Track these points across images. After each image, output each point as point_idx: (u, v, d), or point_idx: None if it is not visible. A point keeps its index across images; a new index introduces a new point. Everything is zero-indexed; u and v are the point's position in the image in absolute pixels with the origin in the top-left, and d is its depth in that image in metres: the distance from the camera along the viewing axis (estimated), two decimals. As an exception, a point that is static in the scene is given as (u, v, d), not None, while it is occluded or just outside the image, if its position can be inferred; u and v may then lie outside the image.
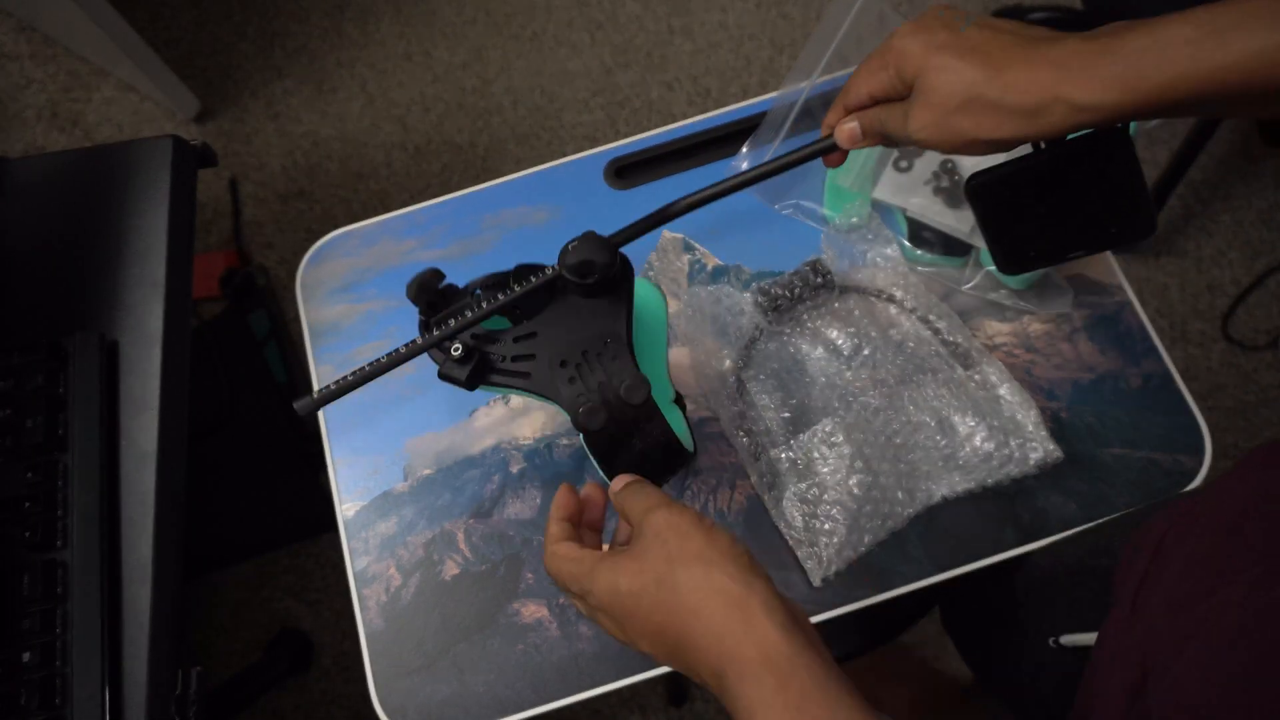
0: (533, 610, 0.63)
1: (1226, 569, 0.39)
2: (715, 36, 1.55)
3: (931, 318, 0.66)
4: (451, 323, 0.50)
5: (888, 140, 0.49)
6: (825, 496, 0.61)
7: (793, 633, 0.36)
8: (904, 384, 0.64)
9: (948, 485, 0.62)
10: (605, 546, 0.48)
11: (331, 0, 1.62)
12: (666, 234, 0.72)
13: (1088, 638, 0.50)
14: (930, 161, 0.67)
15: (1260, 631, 0.34)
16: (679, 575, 0.38)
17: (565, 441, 0.67)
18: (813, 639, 0.38)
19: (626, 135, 0.75)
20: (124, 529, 0.59)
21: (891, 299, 0.67)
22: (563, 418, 0.67)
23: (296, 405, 0.49)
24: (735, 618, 0.37)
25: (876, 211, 0.68)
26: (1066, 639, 0.53)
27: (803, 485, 0.62)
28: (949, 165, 0.66)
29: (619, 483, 0.46)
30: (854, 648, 0.81)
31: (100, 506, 0.59)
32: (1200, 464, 0.62)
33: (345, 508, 0.67)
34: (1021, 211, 0.50)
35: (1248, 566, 0.37)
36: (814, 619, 0.61)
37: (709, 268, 0.71)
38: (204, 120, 1.56)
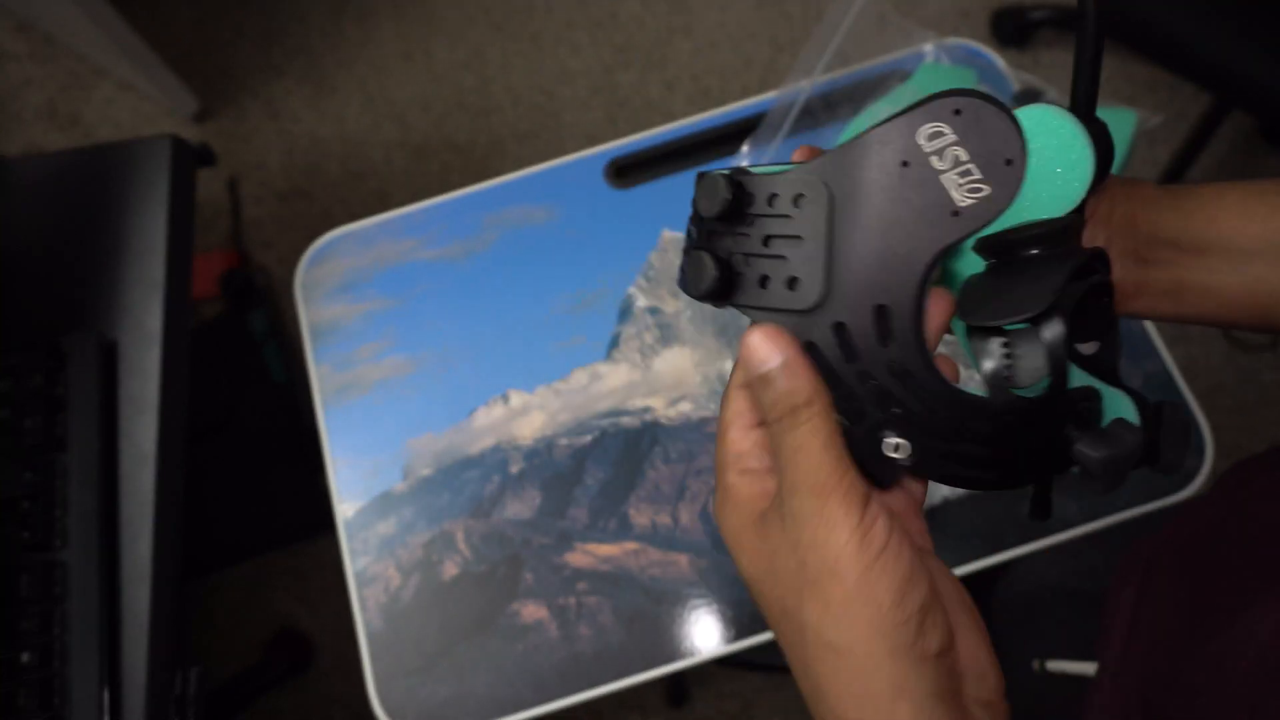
0: (532, 611, 0.63)
1: (1217, 604, 0.38)
2: (715, 36, 1.55)
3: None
4: None
5: None
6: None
7: None
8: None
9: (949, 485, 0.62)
10: None
11: (331, 0, 1.62)
12: (666, 233, 0.72)
13: (1076, 666, 0.50)
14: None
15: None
16: (808, 616, 0.29)
17: (565, 442, 0.67)
18: None
19: (626, 135, 0.75)
20: (123, 529, 0.59)
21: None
22: (563, 417, 0.67)
23: None
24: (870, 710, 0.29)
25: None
26: (1053, 665, 0.53)
27: (803, 485, 0.62)
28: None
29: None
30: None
31: (99, 507, 0.59)
32: (1201, 464, 0.62)
33: (344, 508, 0.67)
34: None
35: (1236, 603, 0.37)
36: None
37: (709, 267, 0.71)
38: (203, 120, 1.56)
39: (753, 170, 0.30)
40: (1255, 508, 0.41)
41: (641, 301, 0.70)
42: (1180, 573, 0.43)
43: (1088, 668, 0.55)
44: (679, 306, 0.69)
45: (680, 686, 1.21)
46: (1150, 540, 0.47)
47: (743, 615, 0.61)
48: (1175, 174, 1.31)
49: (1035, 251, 0.29)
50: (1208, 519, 0.43)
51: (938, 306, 0.30)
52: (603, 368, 0.68)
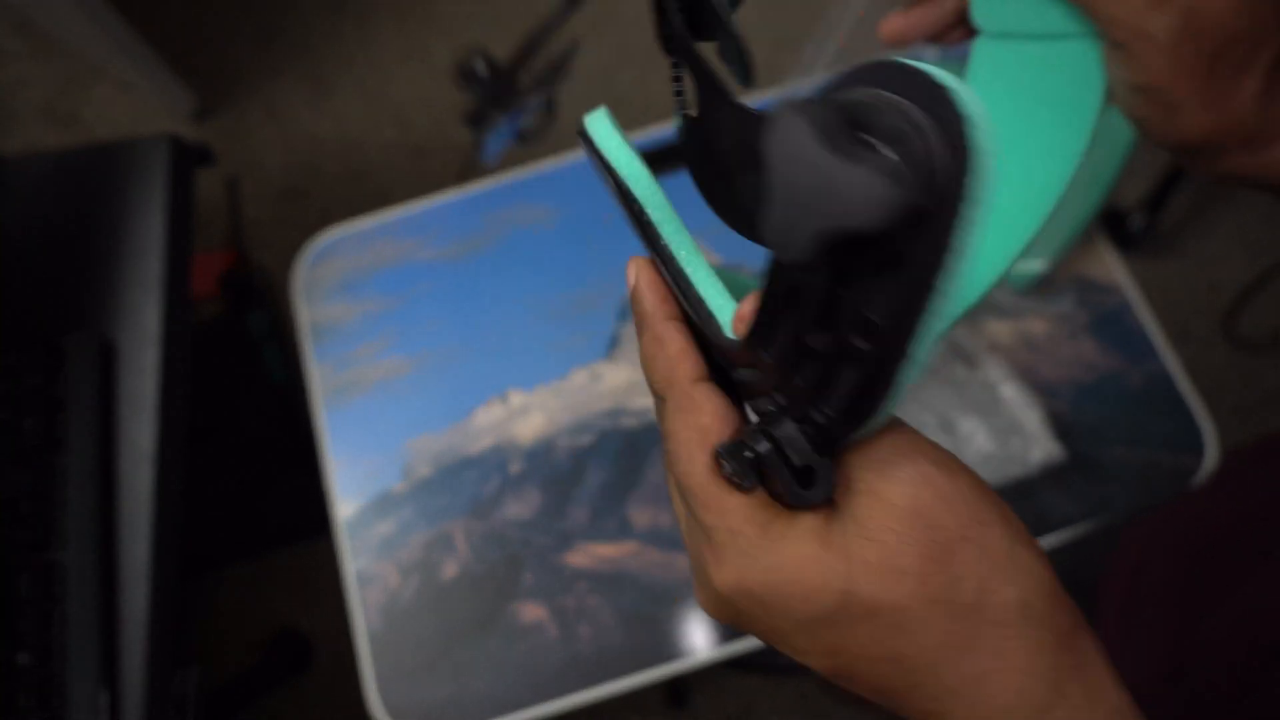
0: (532, 611, 0.62)
1: (1209, 586, 0.38)
2: (715, 35, 1.55)
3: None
4: None
5: None
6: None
7: None
8: (905, 384, 0.64)
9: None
10: None
11: (331, 0, 1.62)
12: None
13: None
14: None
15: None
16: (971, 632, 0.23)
17: (565, 442, 0.67)
18: None
19: (626, 134, 0.75)
20: (122, 530, 0.59)
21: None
22: (563, 417, 0.67)
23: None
24: None
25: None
26: None
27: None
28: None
29: None
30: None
31: (98, 507, 0.58)
32: (1202, 464, 0.62)
33: (344, 508, 0.67)
34: None
35: (1229, 582, 0.37)
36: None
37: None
38: (202, 119, 1.55)
39: None
40: (1246, 494, 0.41)
41: (641, 301, 0.70)
42: (1173, 559, 0.43)
43: None
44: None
45: (680, 687, 1.21)
46: (1140, 531, 0.47)
47: (743, 616, 0.61)
48: (1176, 173, 1.31)
49: None
50: (1199, 508, 0.43)
51: None
52: (603, 368, 0.68)
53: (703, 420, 0.26)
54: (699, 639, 0.61)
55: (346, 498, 0.67)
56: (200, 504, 1.27)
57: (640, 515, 0.64)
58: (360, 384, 0.69)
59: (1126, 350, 0.65)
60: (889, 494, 0.23)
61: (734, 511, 0.25)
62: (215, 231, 1.48)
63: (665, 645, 0.61)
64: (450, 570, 0.64)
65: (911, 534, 0.23)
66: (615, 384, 0.68)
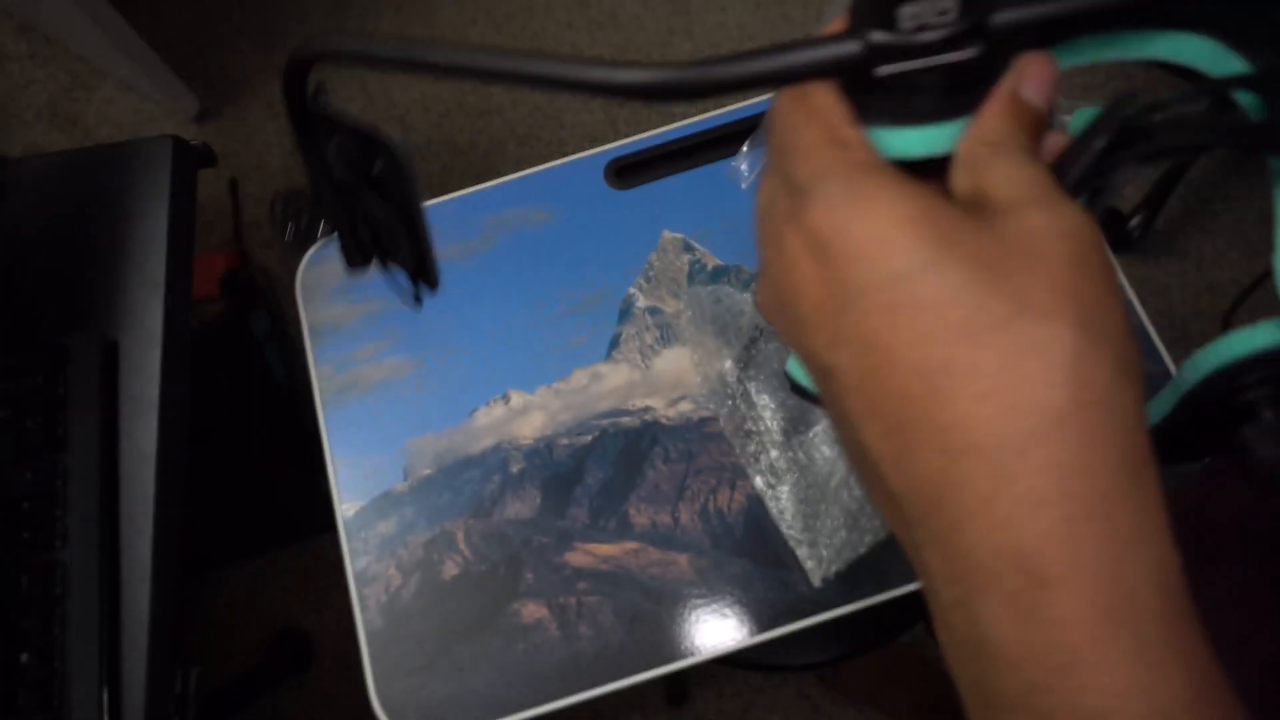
0: (533, 610, 0.63)
1: (1205, 587, 0.39)
2: (715, 36, 1.55)
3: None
4: None
5: None
6: (826, 496, 0.61)
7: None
8: (904, 384, 0.64)
9: (948, 485, 0.62)
10: None
11: (331, 0, 1.62)
12: (666, 234, 0.72)
13: None
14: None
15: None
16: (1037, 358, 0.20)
17: (565, 442, 0.67)
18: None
19: (626, 135, 0.75)
20: (123, 529, 0.59)
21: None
22: (564, 417, 0.67)
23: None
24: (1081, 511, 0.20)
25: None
26: None
27: (803, 485, 0.62)
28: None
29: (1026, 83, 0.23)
30: (854, 648, 0.81)
31: (99, 507, 0.59)
32: (1201, 464, 0.62)
33: (345, 508, 0.67)
34: None
35: (1225, 586, 0.37)
36: (814, 619, 0.61)
37: (709, 268, 0.71)
38: (204, 120, 1.56)
39: None
40: (1239, 488, 0.41)
41: (641, 301, 0.70)
42: None
43: None
44: (679, 306, 0.69)
45: (680, 686, 1.22)
46: None
47: (743, 615, 0.61)
48: (1174, 174, 1.31)
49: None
50: (1191, 502, 0.43)
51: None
52: (603, 368, 0.69)
53: (814, 99, 0.23)
54: (699, 639, 0.61)
55: (348, 497, 0.67)
56: (202, 504, 1.27)
57: (640, 515, 0.64)
58: (361, 384, 0.69)
59: (1125, 350, 0.66)
60: (1033, 215, 0.21)
61: (833, 160, 0.22)
62: (217, 232, 1.48)
63: (665, 645, 0.61)
64: (451, 570, 0.64)
65: (1040, 256, 0.20)
66: (615, 384, 0.68)
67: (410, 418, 0.69)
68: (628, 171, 0.74)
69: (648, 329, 0.70)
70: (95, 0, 1.30)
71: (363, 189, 0.35)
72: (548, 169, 0.75)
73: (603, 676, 0.60)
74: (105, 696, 0.55)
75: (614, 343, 0.69)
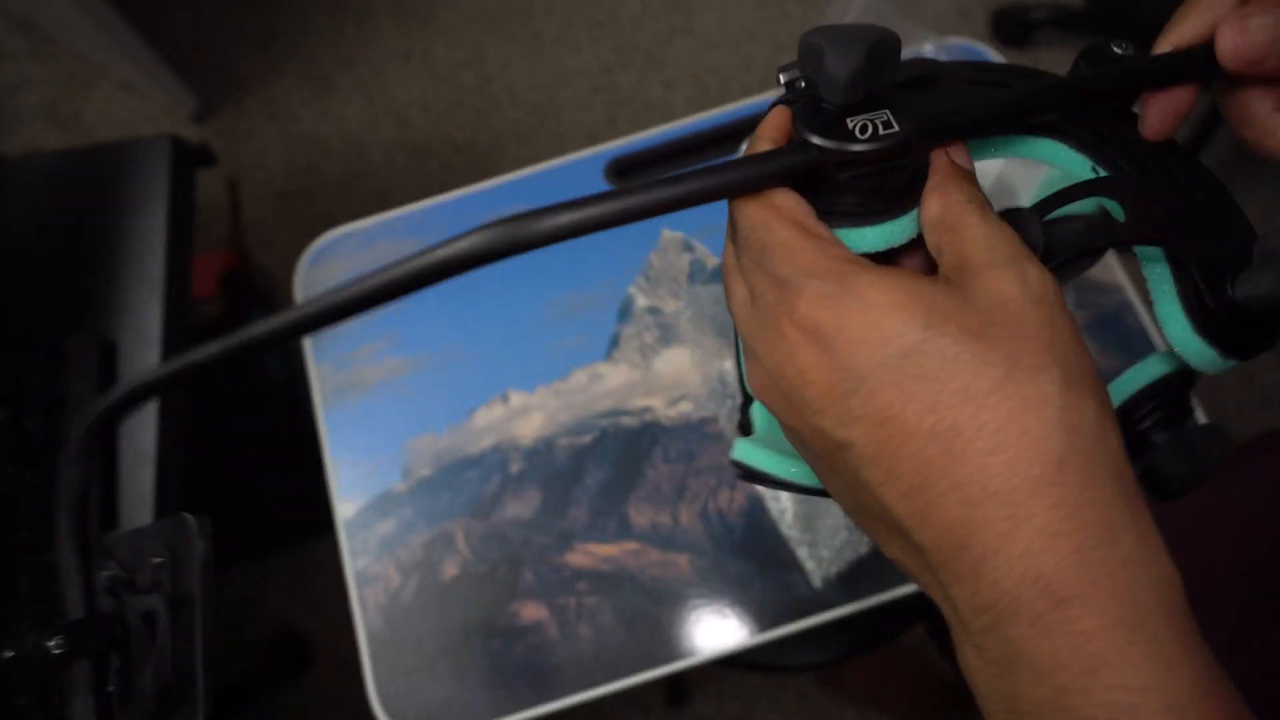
0: (532, 611, 0.62)
1: (1209, 584, 0.39)
2: (715, 36, 1.55)
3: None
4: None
5: None
6: (826, 496, 0.61)
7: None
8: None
9: (948, 485, 0.62)
10: None
11: (331, 0, 1.62)
12: (666, 233, 0.72)
13: None
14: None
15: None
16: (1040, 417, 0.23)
17: (565, 442, 0.67)
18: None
19: (626, 134, 0.75)
20: (122, 529, 0.59)
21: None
22: (563, 417, 0.67)
23: None
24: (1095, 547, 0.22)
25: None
26: None
27: (803, 485, 0.62)
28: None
29: (953, 159, 0.27)
30: (854, 648, 0.81)
31: (99, 507, 0.58)
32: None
33: (344, 508, 0.67)
34: None
35: (1230, 583, 0.37)
36: (814, 619, 0.60)
37: (709, 267, 0.71)
38: (203, 119, 1.55)
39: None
40: (1243, 490, 0.41)
41: (641, 301, 0.70)
42: (1172, 551, 0.43)
43: None
44: (679, 306, 0.69)
45: (680, 686, 1.21)
46: None
47: (743, 615, 0.61)
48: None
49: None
50: (1198, 500, 0.43)
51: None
52: (603, 368, 0.68)
53: (778, 201, 0.26)
54: (699, 639, 0.61)
55: (347, 497, 0.67)
56: (200, 504, 1.27)
57: (640, 515, 0.64)
58: (361, 384, 0.69)
59: (1125, 350, 0.66)
60: (1004, 282, 0.24)
61: (818, 258, 0.25)
62: (216, 232, 1.48)
63: (665, 645, 0.61)
64: (450, 570, 0.64)
65: (1018, 323, 0.23)
66: (615, 384, 0.68)
67: (410, 418, 0.68)
68: (628, 171, 0.74)
69: (647, 329, 0.69)
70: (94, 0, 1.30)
71: (126, 607, 0.33)
72: (547, 168, 0.75)
73: (603, 676, 0.60)
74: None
75: (614, 342, 0.69)
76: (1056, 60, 1.48)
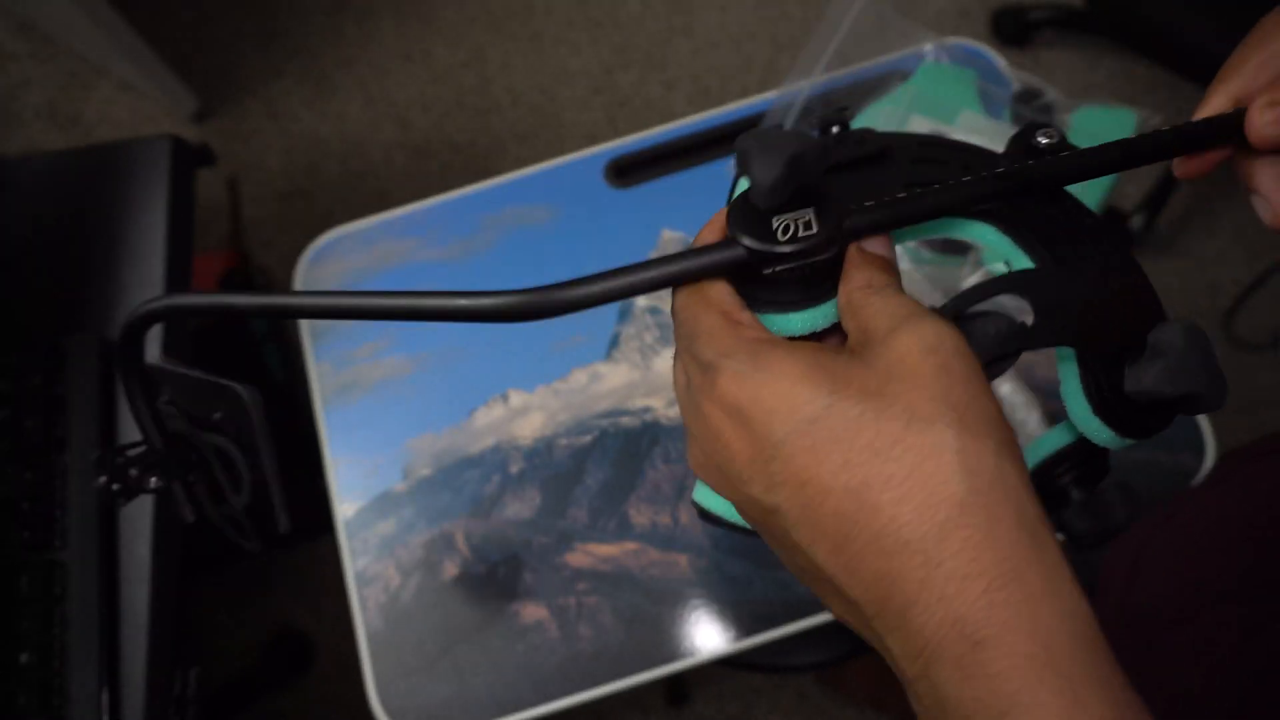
0: (533, 611, 0.62)
1: (1211, 590, 0.39)
2: (715, 36, 1.55)
3: (932, 317, 0.66)
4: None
5: None
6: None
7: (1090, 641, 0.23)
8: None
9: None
10: None
11: (331, 0, 1.62)
12: (666, 233, 0.72)
13: None
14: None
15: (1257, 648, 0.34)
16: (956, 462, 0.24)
17: (565, 442, 0.67)
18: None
19: (626, 134, 0.75)
20: (122, 529, 0.59)
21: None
22: (563, 417, 0.67)
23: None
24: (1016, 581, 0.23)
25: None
26: None
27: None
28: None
29: (869, 251, 0.29)
30: (854, 648, 0.81)
31: (99, 507, 0.58)
32: (1202, 464, 0.62)
33: (344, 508, 0.67)
34: None
35: (1231, 587, 0.37)
36: (814, 619, 0.60)
37: (709, 267, 0.71)
38: (203, 119, 1.55)
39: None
40: (1245, 493, 0.42)
41: (641, 301, 0.70)
42: (1171, 558, 0.43)
43: None
44: (679, 306, 0.69)
45: (680, 686, 1.21)
46: (1138, 530, 0.47)
47: (743, 615, 0.61)
48: (1173, 176, 1.31)
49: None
50: (1197, 507, 0.44)
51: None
52: (603, 368, 0.68)
53: (709, 292, 0.29)
54: (699, 639, 0.61)
55: (347, 497, 0.67)
56: (200, 504, 1.27)
57: (640, 515, 0.64)
58: (361, 384, 0.69)
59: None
60: (901, 341, 0.25)
61: (734, 340, 0.27)
62: (216, 232, 1.48)
63: (665, 645, 0.61)
64: (450, 570, 0.64)
65: (913, 376, 0.25)
66: (615, 384, 0.68)
67: (410, 418, 0.68)
68: (628, 171, 0.74)
69: (647, 329, 0.69)
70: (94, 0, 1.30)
71: (197, 436, 0.40)
72: (547, 168, 0.75)
73: (603, 677, 0.60)
74: (105, 697, 0.55)
75: (613, 342, 0.69)
76: (1057, 60, 1.48)
